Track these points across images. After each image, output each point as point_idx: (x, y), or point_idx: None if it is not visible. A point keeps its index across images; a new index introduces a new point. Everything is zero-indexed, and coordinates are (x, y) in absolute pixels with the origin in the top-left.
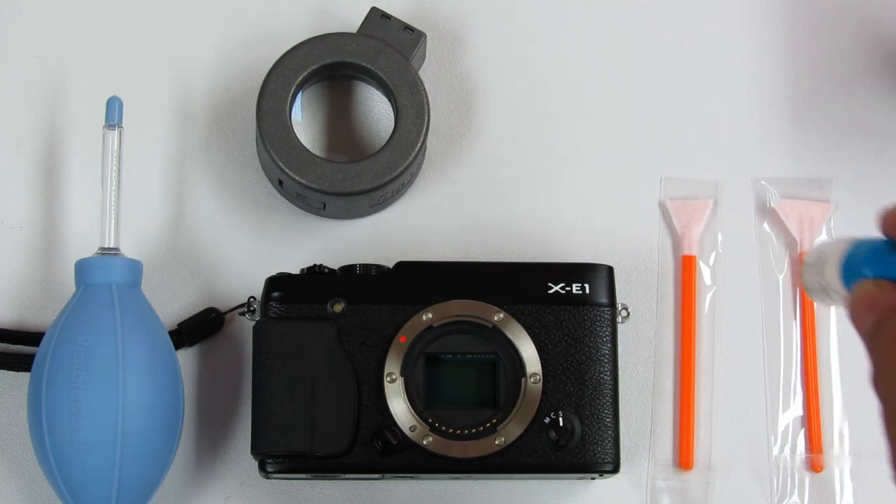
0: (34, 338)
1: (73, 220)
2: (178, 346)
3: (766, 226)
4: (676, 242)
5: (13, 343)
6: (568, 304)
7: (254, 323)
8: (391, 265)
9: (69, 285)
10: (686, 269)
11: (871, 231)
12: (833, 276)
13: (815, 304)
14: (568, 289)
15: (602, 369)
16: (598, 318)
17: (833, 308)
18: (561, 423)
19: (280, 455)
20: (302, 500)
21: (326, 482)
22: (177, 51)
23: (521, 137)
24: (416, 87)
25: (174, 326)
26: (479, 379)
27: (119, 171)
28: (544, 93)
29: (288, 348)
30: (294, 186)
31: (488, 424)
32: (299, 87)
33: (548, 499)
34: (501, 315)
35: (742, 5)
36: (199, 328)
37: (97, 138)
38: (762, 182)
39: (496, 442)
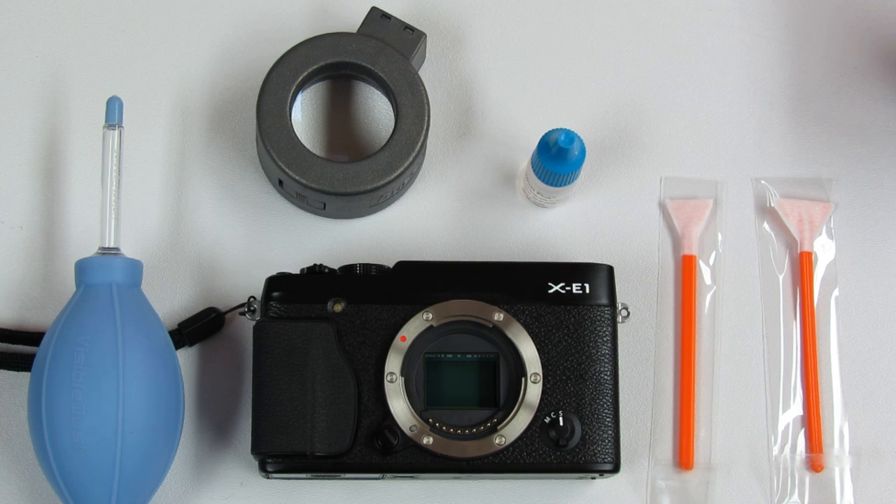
0: (34, 338)
1: (73, 220)
2: (178, 346)
3: (766, 226)
4: (676, 242)
5: (13, 343)
6: (568, 303)
7: (254, 323)
8: (391, 265)
9: (69, 285)
10: (686, 269)
11: (873, 231)
12: (533, 178)
13: (815, 304)
14: (568, 289)
15: (602, 369)
16: (598, 317)
17: (833, 307)
18: (561, 423)
19: (280, 455)
20: (302, 500)
21: (326, 482)
22: (177, 51)
23: (521, 137)
24: (416, 87)
25: (174, 326)
26: (479, 379)
27: (119, 171)
28: (544, 92)
29: (288, 348)
30: (294, 186)
31: (488, 424)
32: (299, 87)
33: (548, 499)
34: (501, 315)
35: (742, 6)
36: (200, 328)
37: (97, 138)
38: (762, 182)
39: (496, 442)
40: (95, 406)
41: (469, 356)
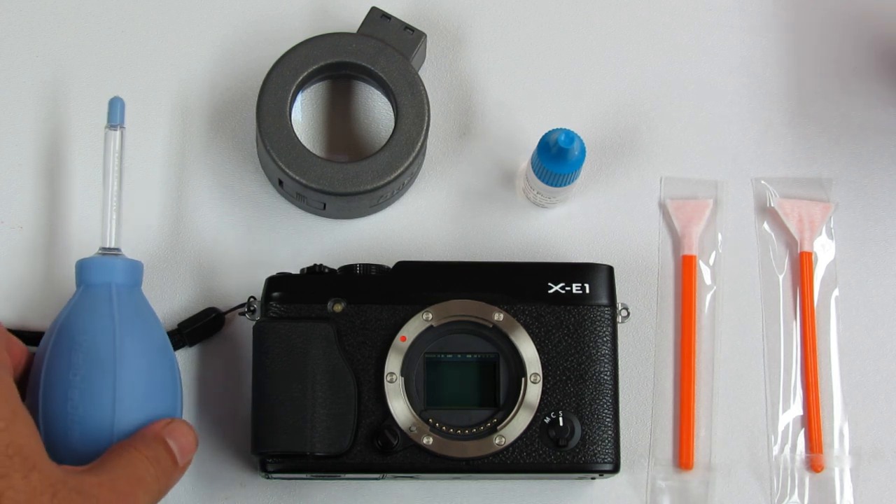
0: (35, 338)
1: (73, 220)
2: (177, 346)
3: (766, 226)
4: (676, 242)
5: None
6: (568, 304)
7: (254, 323)
8: (391, 265)
9: (69, 285)
10: (686, 269)
11: (873, 231)
12: (533, 178)
13: (815, 304)
14: (568, 289)
15: (602, 369)
16: (598, 318)
17: (833, 307)
18: (561, 423)
19: (280, 455)
20: (302, 500)
21: (326, 482)
22: (177, 51)
23: (521, 137)
24: (416, 87)
25: (174, 326)
26: (479, 379)
27: (121, 172)
28: (544, 92)
29: (288, 348)
30: (294, 186)
31: (488, 424)
32: (299, 87)
33: (548, 499)
34: (501, 315)
35: (742, 6)
36: (199, 328)
37: (98, 138)
38: (762, 182)
39: (496, 442)
40: (92, 406)
41: (469, 356)
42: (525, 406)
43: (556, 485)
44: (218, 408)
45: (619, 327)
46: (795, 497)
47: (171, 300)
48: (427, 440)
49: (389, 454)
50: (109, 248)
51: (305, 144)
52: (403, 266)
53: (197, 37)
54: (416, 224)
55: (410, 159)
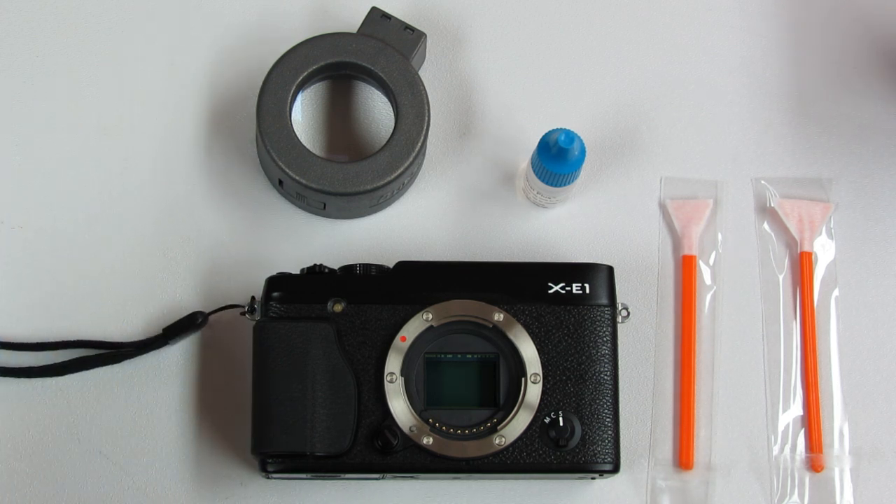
0: None
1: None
2: (158, 344)
3: (766, 226)
4: (676, 242)
5: None
6: (568, 303)
7: (254, 323)
8: (391, 265)
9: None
10: (686, 269)
11: (873, 231)
12: (533, 178)
13: (815, 304)
14: (568, 289)
15: (602, 369)
16: (598, 318)
17: (833, 307)
18: (561, 423)
19: (280, 455)
20: (302, 500)
21: (326, 482)
22: (177, 51)
23: (521, 137)
24: (416, 87)
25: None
26: (479, 379)
27: None
28: (544, 92)
29: (288, 348)
30: (294, 186)
31: (488, 424)
32: (299, 87)
33: (548, 499)
34: (501, 315)
35: (742, 6)
36: (180, 326)
37: (98, 138)
38: (762, 182)
39: (496, 442)
40: None
41: (469, 356)
42: (525, 406)
43: (556, 485)
44: (217, 408)
45: (619, 327)
46: (795, 497)
47: (170, 300)
48: (427, 440)
49: (389, 454)
50: None
51: (305, 144)
52: (403, 266)
53: (197, 37)
54: (416, 224)
55: (410, 159)
